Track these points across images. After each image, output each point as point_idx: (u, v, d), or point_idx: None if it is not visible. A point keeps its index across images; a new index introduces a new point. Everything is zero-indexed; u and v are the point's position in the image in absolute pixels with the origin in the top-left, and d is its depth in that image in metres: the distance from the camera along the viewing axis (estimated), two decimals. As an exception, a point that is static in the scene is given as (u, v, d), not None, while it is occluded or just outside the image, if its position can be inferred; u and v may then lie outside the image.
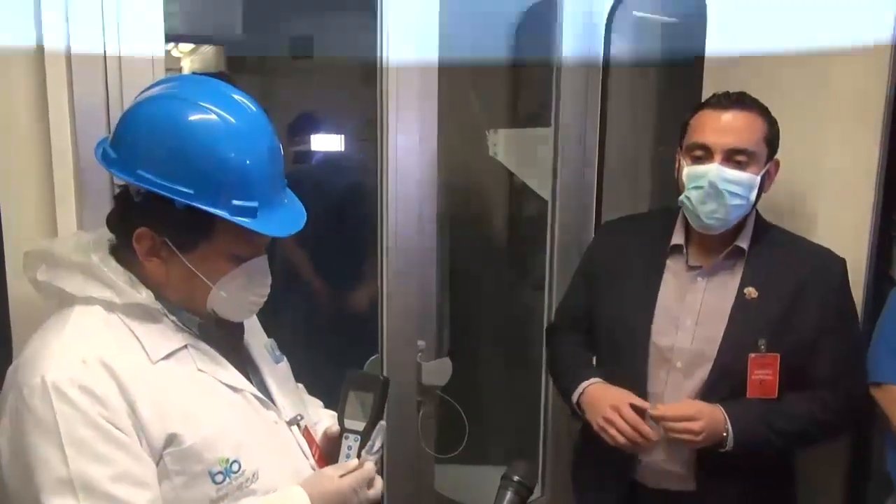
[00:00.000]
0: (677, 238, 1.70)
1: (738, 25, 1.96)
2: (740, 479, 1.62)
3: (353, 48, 2.46)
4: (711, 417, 1.55)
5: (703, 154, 1.58)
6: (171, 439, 1.08)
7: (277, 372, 1.33)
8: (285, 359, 1.37)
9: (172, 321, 1.16)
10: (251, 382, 1.24)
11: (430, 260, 2.02)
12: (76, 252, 1.13)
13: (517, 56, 2.70)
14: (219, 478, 1.12)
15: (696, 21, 2.08)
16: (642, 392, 1.66)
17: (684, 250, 1.69)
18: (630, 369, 1.68)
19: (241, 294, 1.18)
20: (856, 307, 1.70)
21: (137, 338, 1.12)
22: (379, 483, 1.26)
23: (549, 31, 2.28)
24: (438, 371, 2.04)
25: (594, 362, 1.86)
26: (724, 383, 1.60)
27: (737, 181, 1.56)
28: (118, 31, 1.48)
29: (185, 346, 1.16)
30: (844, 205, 1.80)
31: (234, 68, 2.61)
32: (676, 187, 1.67)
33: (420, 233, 1.98)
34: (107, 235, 1.18)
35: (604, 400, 1.66)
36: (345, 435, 1.28)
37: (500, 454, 2.75)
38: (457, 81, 2.32)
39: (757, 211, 1.67)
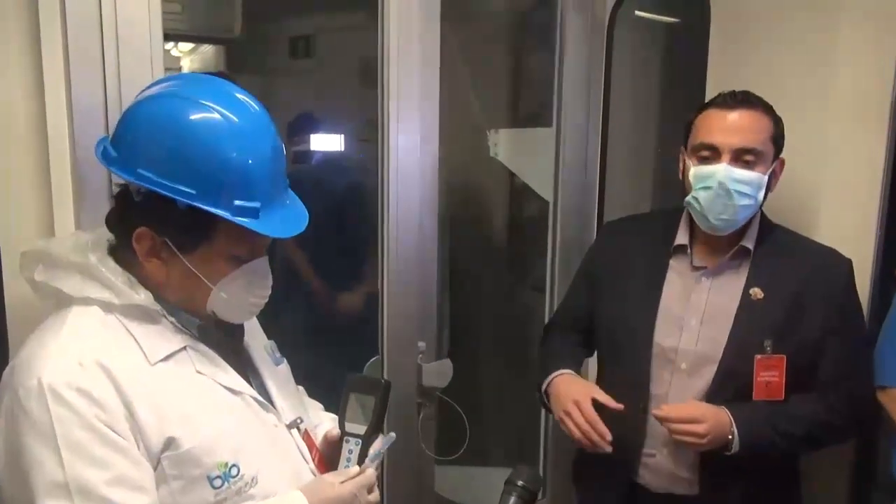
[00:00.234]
0: (681, 238, 1.69)
1: (741, 25, 1.95)
2: (744, 482, 1.61)
3: (353, 48, 2.45)
4: (716, 420, 1.54)
5: (711, 154, 1.57)
6: (169, 443, 1.07)
7: (277, 374, 1.32)
8: (285, 361, 1.36)
9: (171, 322, 1.15)
10: (251, 385, 1.23)
11: (430, 261, 2.01)
12: (74, 252, 1.12)
13: (518, 55, 2.70)
14: (217, 482, 1.11)
15: (698, 21, 2.08)
16: (645, 393, 1.65)
17: (688, 250, 1.68)
18: (632, 370, 1.67)
19: (241, 295, 1.17)
20: (862, 308, 1.68)
21: (136, 339, 1.10)
22: (376, 489, 1.25)
23: (551, 30, 2.26)
24: (439, 373, 2.03)
25: (584, 361, 1.85)
26: (729, 385, 1.58)
27: (746, 181, 1.55)
28: (116, 29, 1.47)
29: (184, 348, 1.15)
30: (850, 205, 1.79)
31: (234, 68, 2.60)
32: (679, 188, 1.66)
33: (421, 233, 1.97)
34: (105, 235, 1.17)
35: (567, 392, 1.65)
36: (345, 439, 1.28)
37: (500, 455, 2.75)
38: (458, 81, 2.32)
39: (762, 211, 1.66)
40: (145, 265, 1.12)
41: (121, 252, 1.14)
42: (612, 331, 1.74)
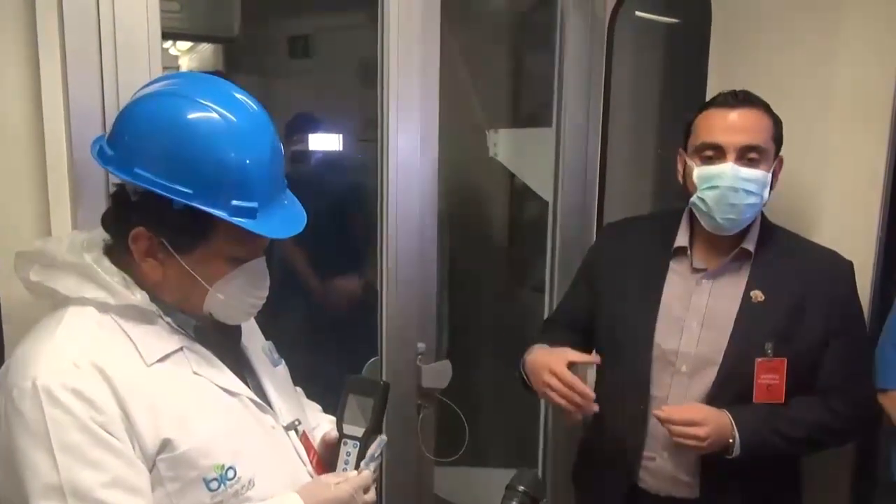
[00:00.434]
0: (681, 240, 1.68)
1: (742, 25, 1.95)
2: (745, 485, 1.60)
3: (352, 48, 2.44)
4: (718, 423, 1.53)
5: (715, 154, 1.56)
6: (165, 445, 1.06)
7: (275, 375, 1.31)
8: (284, 362, 1.35)
9: (168, 323, 1.14)
10: (248, 386, 1.22)
11: (430, 261, 2.00)
12: (69, 252, 1.11)
13: (518, 55, 2.69)
14: (214, 485, 1.10)
15: (699, 21, 2.07)
16: (645, 395, 1.64)
17: (688, 252, 1.67)
18: (632, 371, 1.66)
19: (238, 296, 1.16)
20: (863, 310, 1.68)
21: (132, 340, 1.10)
22: (373, 489, 1.25)
23: (551, 30, 2.26)
24: (438, 374, 2.02)
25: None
26: (730, 388, 1.58)
27: (752, 179, 1.54)
28: (114, 28, 1.46)
29: (181, 349, 1.14)
30: (851, 206, 1.79)
31: (233, 67, 2.59)
32: (678, 188, 1.65)
33: (420, 234, 1.96)
34: (101, 236, 1.16)
35: (542, 363, 1.64)
36: (343, 441, 1.27)
37: (500, 457, 2.74)
38: (458, 81, 2.31)
39: (763, 213, 1.65)
40: (142, 265, 1.11)
41: (117, 252, 1.13)
42: (612, 330, 1.73)
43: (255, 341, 1.32)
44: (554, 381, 1.59)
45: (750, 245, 1.62)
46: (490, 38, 2.78)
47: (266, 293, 1.20)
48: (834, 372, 1.58)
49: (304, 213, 1.20)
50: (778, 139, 1.60)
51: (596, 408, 1.58)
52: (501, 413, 2.75)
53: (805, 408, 1.58)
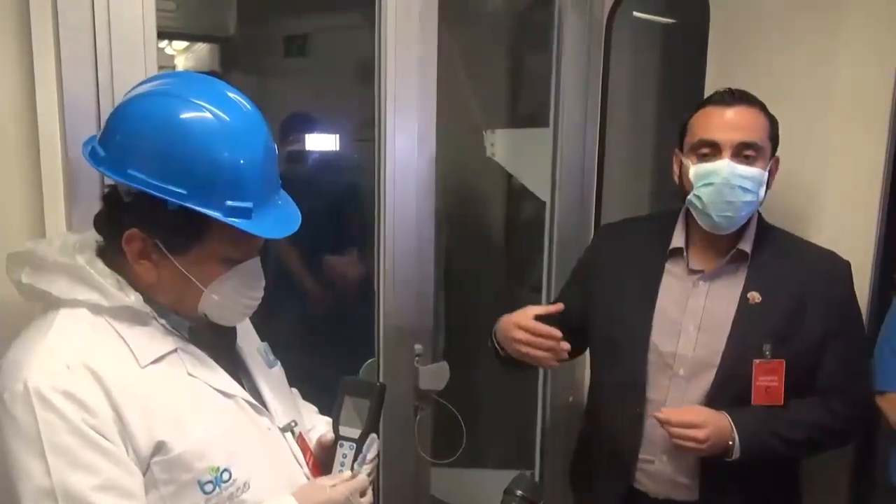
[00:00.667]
0: (677, 241, 1.67)
1: (741, 25, 1.94)
2: (745, 487, 1.59)
3: (348, 47, 2.43)
4: (717, 426, 1.52)
5: (711, 151, 1.56)
6: (160, 447, 1.05)
7: (271, 377, 1.30)
8: (279, 363, 1.35)
9: (162, 324, 1.13)
10: (244, 387, 1.21)
11: (427, 262, 1.99)
12: (61, 253, 1.10)
13: (516, 55, 2.68)
14: (208, 487, 1.09)
15: (697, 21, 2.06)
16: (641, 396, 1.63)
17: (684, 253, 1.66)
18: (629, 372, 1.66)
19: (233, 297, 1.15)
20: (861, 310, 1.67)
21: (125, 341, 1.08)
22: (369, 492, 1.24)
23: (549, 30, 2.25)
24: (436, 375, 2.01)
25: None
26: (728, 390, 1.57)
27: (749, 176, 1.54)
28: (109, 27, 1.45)
29: (175, 350, 1.13)
30: (850, 206, 1.79)
31: (228, 67, 2.58)
32: (675, 189, 1.65)
33: (417, 234, 1.96)
34: (94, 237, 1.15)
35: (508, 324, 1.63)
36: (339, 442, 1.27)
37: (497, 458, 2.73)
38: (455, 81, 2.30)
39: (759, 213, 1.64)
40: (135, 267, 1.10)
41: (110, 253, 1.12)
42: (608, 329, 1.72)
43: (250, 342, 1.32)
44: (521, 334, 1.59)
45: (746, 246, 1.62)
46: (488, 38, 2.77)
47: (261, 294, 1.19)
48: (833, 373, 1.58)
49: (299, 212, 1.19)
50: (774, 138, 1.60)
51: (567, 346, 1.57)
52: (499, 414, 2.75)
53: (804, 409, 1.58)
